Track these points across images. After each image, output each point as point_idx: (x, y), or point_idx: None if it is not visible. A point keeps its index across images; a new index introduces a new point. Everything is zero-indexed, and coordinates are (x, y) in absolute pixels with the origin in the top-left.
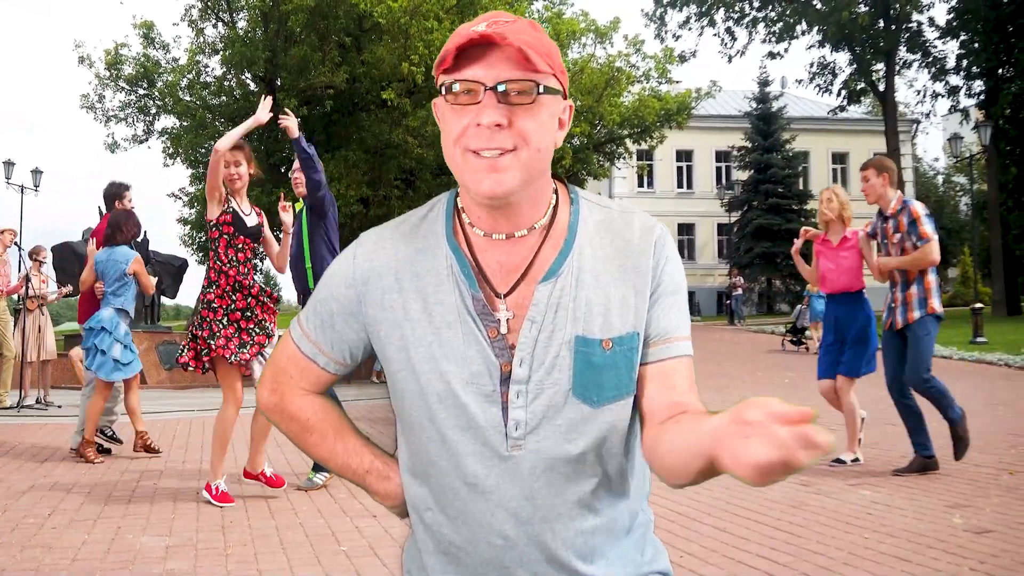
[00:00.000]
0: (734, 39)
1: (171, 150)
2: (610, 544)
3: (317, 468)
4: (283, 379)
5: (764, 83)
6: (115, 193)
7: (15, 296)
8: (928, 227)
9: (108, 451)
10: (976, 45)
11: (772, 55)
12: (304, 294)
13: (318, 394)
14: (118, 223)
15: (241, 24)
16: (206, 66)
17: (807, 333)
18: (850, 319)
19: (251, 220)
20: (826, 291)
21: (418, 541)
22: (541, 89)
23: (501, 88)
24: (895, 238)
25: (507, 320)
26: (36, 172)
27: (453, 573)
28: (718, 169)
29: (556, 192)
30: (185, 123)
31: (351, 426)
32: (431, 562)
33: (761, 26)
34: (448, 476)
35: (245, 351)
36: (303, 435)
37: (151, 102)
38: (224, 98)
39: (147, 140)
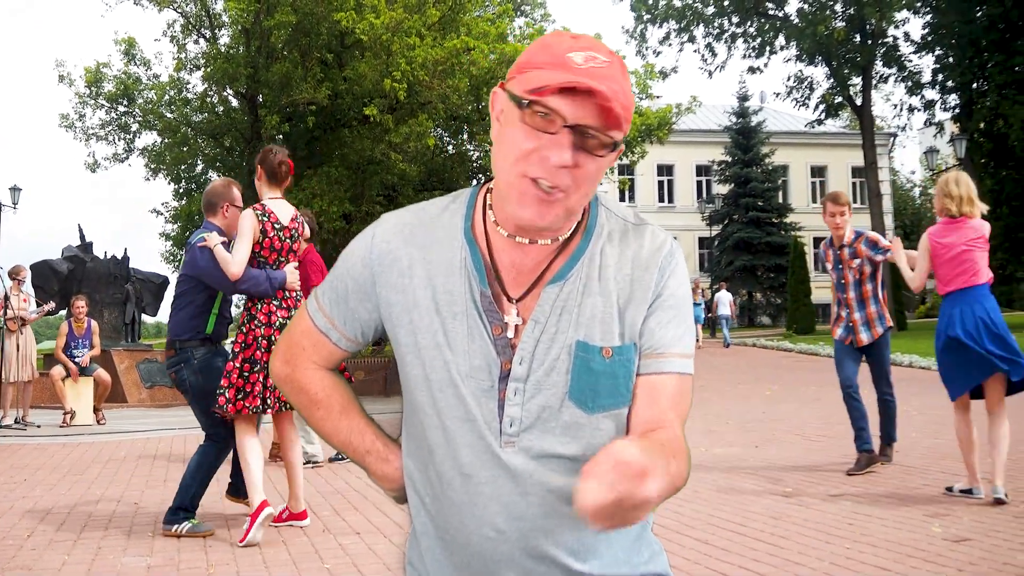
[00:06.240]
0: (714, 55)
1: (153, 167)
2: (604, 543)
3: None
4: (296, 351)
5: (743, 98)
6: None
7: None
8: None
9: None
10: (951, 60)
11: (752, 70)
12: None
13: (329, 370)
14: None
15: (223, 40)
16: (187, 83)
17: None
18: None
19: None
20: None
21: (417, 526)
22: (614, 147)
23: (579, 131)
24: (854, 263)
25: (516, 325)
26: (15, 189)
27: (447, 561)
28: (699, 183)
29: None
30: (167, 140)
31: (358, 406)
32: (428, 545)
33: (740, 41)
34: (445, 464)
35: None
36: (310, 408)
37: (132, 119)
38: (206, 114)
39: (128, 158)
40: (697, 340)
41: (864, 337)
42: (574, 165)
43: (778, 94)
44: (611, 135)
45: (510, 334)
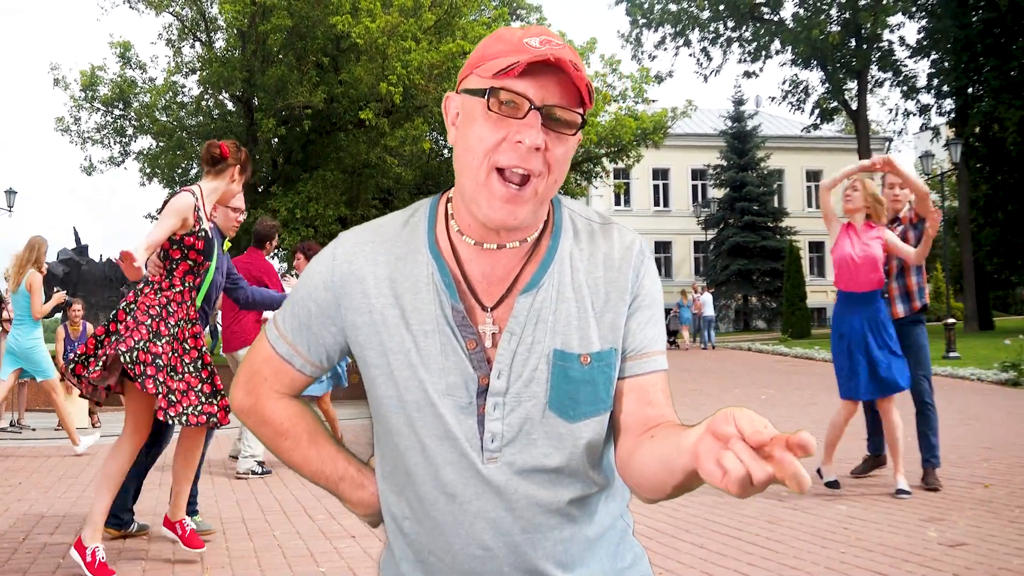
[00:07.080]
0: (709, 59)
1: (148, 171)
2: (589, 551)
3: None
4: (257, 381)
5: (739, 102)
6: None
7: None
8: None
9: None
10: (946, 64)
11: (747, 74)
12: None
13: (293, 398)
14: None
15: (219, 44)
16: (183, 86)
17: (680, 334)
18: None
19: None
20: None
21: (395, 550)
22: (581, 123)
23: (546, 111)
24: (896, 228)
25: (493, 334)
26: (10, 192)
27: None
28: (694, 187)
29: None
30: (162, 144)
31: (325, 432)
32: (407, 570)
33: (735, 46)
34: (426, 485)
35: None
36: (276, 439)
37: (127, 123)
38: (201, 118)
39: (123, 162)
40: (676, 342)
41: (900, 309)
42: (545, 148)
43: (773, 98)
44: (578, 111)
45: (488, 344)
